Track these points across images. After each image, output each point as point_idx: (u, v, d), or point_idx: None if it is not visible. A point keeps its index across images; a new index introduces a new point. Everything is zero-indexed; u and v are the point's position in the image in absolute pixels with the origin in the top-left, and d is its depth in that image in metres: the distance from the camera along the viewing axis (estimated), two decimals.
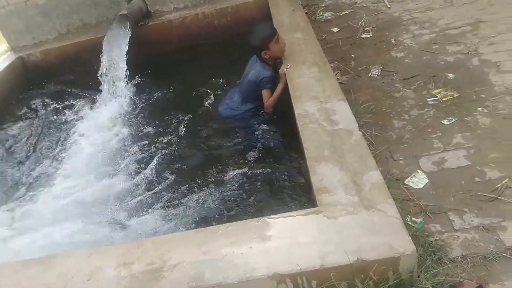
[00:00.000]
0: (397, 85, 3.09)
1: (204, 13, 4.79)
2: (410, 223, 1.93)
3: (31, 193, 3.13)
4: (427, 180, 2.18)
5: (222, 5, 4.80)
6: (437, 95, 2.84)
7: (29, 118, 4.26)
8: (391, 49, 3.61)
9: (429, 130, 2.55)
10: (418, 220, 1.96)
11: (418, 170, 2.26)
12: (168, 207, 2.56)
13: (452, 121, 2.56)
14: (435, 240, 1.83)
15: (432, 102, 2.79)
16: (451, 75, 3.00)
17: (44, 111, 4.32)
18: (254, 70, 3.00)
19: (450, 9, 3.96)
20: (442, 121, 2.58)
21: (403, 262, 1.50)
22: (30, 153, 3.72)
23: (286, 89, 2.79)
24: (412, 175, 2.24)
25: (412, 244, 1.50)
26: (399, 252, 1.49)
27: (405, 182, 2.21)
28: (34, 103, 4.50)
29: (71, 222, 2.71)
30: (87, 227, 2.62)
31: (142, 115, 3.79)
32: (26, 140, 3.91)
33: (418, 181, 2.19)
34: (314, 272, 1.51)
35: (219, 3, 4.86)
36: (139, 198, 2.74)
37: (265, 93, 2.95)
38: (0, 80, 4.57)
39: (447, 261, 1.72)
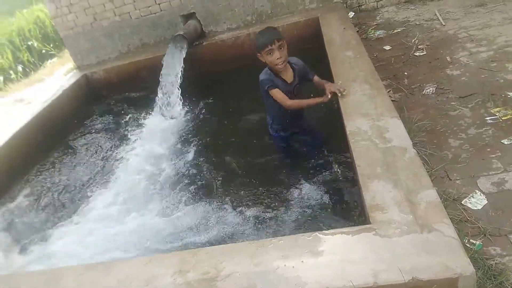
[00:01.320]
0: (453, 103, 3.01)
1: (255, 33, 4.93)
2: (468, 245, 1.86)
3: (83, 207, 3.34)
4: (486, 201, 2.10)
5: (272, 24, 4.91)
6: (496, 114, 2.73)
7: (91, 133, 4.55)
8: (446, 67, 3.52)
9: (488, 149, 2.45)
10: (477, 242, 1.88)
11: (477, 191, 2.18)
12: (221, 220, 2.63)
13: None
14: (495, 263, 1.75)
15: (491, 121, 2.69)
16: (511, 94, 2.89)
17: (105, 126, 4.59)
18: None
19: (510, 27, 3.82)
20: (501, 141, 2.48)
21: (462, 284, 1.45)
22: (87, 164, 3.98)
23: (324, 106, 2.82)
24: (470, 196, 2.16)
25: (471, 265, 1.45)
26: (457, 273, 1.45)
27: (462, 202, 2.13)
28: (96, 119, 4.80)
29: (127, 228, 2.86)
30: (140, 235, 2.74)
31: (195, 134, 3.93)
32: (86, 154, 4.18)
33: (476, 202, 2.11)
34: None
35: (270, 23, 4.99)
36: (191, 209, 2.85)
37: (273, 93, 2.69)
38: (67, 96, 4.94)
39: (509, 286, 1.64)
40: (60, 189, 3.69)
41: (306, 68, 2.86)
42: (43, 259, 2.85)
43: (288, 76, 2.76)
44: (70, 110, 4.88)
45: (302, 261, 1.65)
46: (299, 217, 2.47)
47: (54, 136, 4.48)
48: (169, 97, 4.36)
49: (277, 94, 2.68)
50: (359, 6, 5.27)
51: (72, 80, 5.28)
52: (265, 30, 2.64)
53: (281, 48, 2.58)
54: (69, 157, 4.18)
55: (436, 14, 4.59)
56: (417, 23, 4.58)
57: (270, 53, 2.57)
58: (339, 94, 2.61)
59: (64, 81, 5.46)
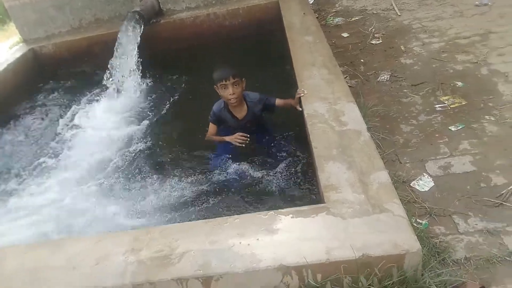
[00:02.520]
0: (405, 90, 3.12)
1: (215, 14, 4.85)
2: (415, 224, 1.95)
3: (30, 182, 3.19)
4: (433, 184, 2.20)
5: (233, 6, 4.86)
6: (445, 102, 2.86)
7: (38, 108, 4.31)
8: (400, 55, 3.64)
9: (436, 135, 2.57)
10: (423, 221, 1.98)
11: (424, 174, 2.28)
12: (176, 198, 2.60)
13: (459, 128, 2.58)
14: (439, 241, 1.85)
15: (440, 109, 2.82)
16: (459, 83, 3.03)
17: (53, 102, 4.37)
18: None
19: (460, 19, 4.00)
20: (449, 127, 2.61)
21: (408, 260, 1.52)
22: (35, 142, 3.78)
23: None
24: (418, 178, 2.26)
25: (417, 243, 1.52)
26: (404, 250, 1.51)
27: (411, 184, 2.23)
28: (44, 94, 4.55)
29: (75, 211, 2.75)
30: (92, 216, 2.65)
31: (149, 110, 3.84)
32: (33, 130, 3.97)
33: (424, 184, 2.21)
34: (320, 265, 1.53)
35: (231, 4, 4.92)
36: (145, 187, 2.79)
37: (210, 125, 2.91)
38: (11, 71, 4.63)
39: (451, 262, 1.74)
40: None
41: (264, 100, 2.84)
42: None
43: (241, 112, 2.82)
44: (15, 84, 4.57)
45: (258, 239, 1.66)
46: (256, 197, 2.48)
47: None
48: (123, 75, 4.20)
49: (210, 128, 2.90)
50: None
51: (18, 54, 4.94)
52: (222, 66, 2.71)
53: (235, 85, 2.64)
54: (12, 135, 3.94)
55: (392, 4, 4.71)
56: (374, 12, 4.69)
57: (224, 88, 2.64)
58: (302, 95, 2.62)
59: (8, 55, 5.10)
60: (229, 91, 2.63)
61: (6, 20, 8.54)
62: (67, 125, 3.89)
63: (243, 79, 2.71)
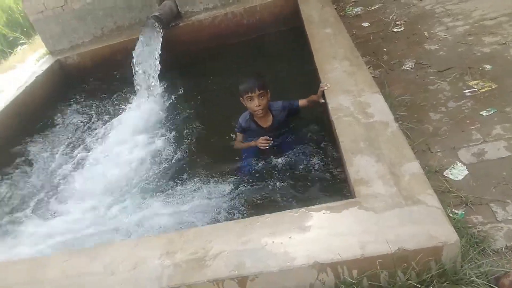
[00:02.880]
0: (432, 77, 3.04)
1: (233, 13, 4.85)
2: (451, 215, 1.89)
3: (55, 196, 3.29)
4: (467, 172, 2.14)
5: (250, 4, 4.85)
6: (474, 87, 2.77)
7: (66, 118, 4.45)
8: (424, 42, 3.55)
9: (467, 121, 2.50)
10: (459, 211, 1.93)
11: (457, 162, 2.22)
12: (207, 199, 2.63)
13: (491, 112, 2.50)
14: (478, 231, 1.80)
15: (469, 94, 2.73)
16: (488, 66, 2.93)
17: (80, 111, 4.50)
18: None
19: (485, 0, 3.86)
20: (480, 113, 2.52)
21: (446, 252, 1.48)
22: (64, 151, 3.89)
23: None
24: (451, 167, 2.20)
25: (455, 234, 1.49)
26: (441, 242, 1.48)
27: (444, 174, 2.17)
28: (71, 104, 4.69)
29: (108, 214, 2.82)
30: (127, 219, 2.71)
31: (175, 113, 3.88)
32: (64, 138, 4.09)
33: (457, 172, 2.15)
34: (355, 261, 1.52)
35: (248, 2, 4.91)
36: (178, 191, 2.83)
37: (236, 135, 3.02)
38: (39, 83, 4.78)
39: (491, 252, 1.69)
40: (33, 174, 3.62)
41: (287, 106, 2.88)
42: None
43: (266, 122, 2.87)
44: (44, 96, 4.72)
45: (290, 237, 1.66)
46: (285, 195, 2.47)
47: (28, 123, 4.34)
48: (147, 80, 4.26)
49: (237, 136, 3.01)
50: None
51: (45, 66, 5.10)
52: (248, 78, 2.75)
53: (261, 97, 2.69)
54: (45, 144, 4.06)
55: None
56: None
57: (250, 100, 2.70)
58: (326, 88, 2.60)
59: (36, 68, 5.27)
60: (255, 103, 2.69)
61: (32, 33, 8.81)
62: (95, 132, 3.98)
63: (268, 90, 2.75)
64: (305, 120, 3.00)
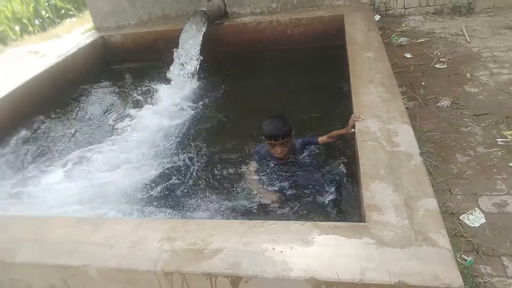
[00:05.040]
0: (466, 119, 2.97)
1: (278, 21, 4.89)
2: (459, 260, 1.84)
3: (86, 155, 3.37)
4: (484, 220, 2.08)
5: (297, 15, 4.87)
6: (508, 137, 2.70)
7: (103, 91, 4.58)
8: (465, 83, 3.48)
9: (494, 170, 2.43)
10: (468, 258, 1.87)
11: (476, 209, 2.16)
12: (218, 195, 2.64)
13: None
14: (484, 282, 1.74)
15: (502, 143, 2.66)
16: None
17: (116, 87, 4.62)
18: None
19: None
20: (510, 164, 2.45)
21: None
22: (95, 121, 4.02)
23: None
24: (468, 212, 2.14)
25: (460, 278, 1.43)
26: (445, 284, 1.42)
27: (460, 218, 2.12)
28: (109, 80, 4.83)
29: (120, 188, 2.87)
30: (135, 197, 2.74)
31: (206, 107, 3.92)
32: (96, 110, 4.22)
33: (474, 219, 2.09)
34: (352, 285, 1.48)
35: (295, 14, 4.94)
36: (188, 180, 2.86)
37: (249, 163, 2.85)
38: (82, 54, 4.91)
39: None
40: (59, 139, 3.72)
41: (306, 143, 2.80)
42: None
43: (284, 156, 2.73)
44: (84, 67, 4.86)
45: (291, 248, 1.63)
46: (294, 206, 2.45)
47: (64, 91, 4.46)
48: (184, 71, 4.33)
49: (250, 165, 2.83)
50: (386, 10, 5.21)
51: (89, 40, 5.25)
52: (275, 121, 2.61)
53: (284, 145, 2.59)
54: (75, 113, 4.18)
55: (462, 30, 4.53)
56: (442, 36, 4.52)
57: (272, 146, 2.61)
58: (360, 120, 2.46)
59: (81, 40, 5.43)
60: (277, 150, 2.60)
61: (83, 8, 9.11)
62: (125, 111, 4.06)
63: (292, 133, 2.64)
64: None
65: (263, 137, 2.67)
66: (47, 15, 9.26)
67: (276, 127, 2.57)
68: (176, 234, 1.77)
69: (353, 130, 2.49)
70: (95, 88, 4.67)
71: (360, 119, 2.48)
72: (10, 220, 2.17)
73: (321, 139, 2.74)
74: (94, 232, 1.88)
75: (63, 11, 9.49)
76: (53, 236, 1.92)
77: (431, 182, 2.03)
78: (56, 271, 1.79)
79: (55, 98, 4.36)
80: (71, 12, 9.44)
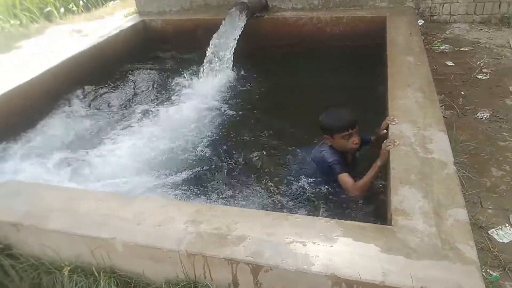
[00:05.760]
0: (504, 133, 2.88)
1: (318, 18, 4.85)
2: (484, 274, 1.80)
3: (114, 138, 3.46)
4: None
5: (338, 14, 4.83)
6: None
7: (141, 75, 4.70)
8: (507, 96, 3.37)
9: None
10: (494, 274, 1.82)
11: (507, 224, 2.10)
12: (243, 190, 2.66)
13: None
14: None
15: None
16: None
17: (154, 71, 4.72)
18: (317, 152, 2.58)
19: None
20: None
21: None
22: (129, 103, 4.12)
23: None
24: (498, 227, 2.08)
25: None
26: None
27: (489, 232, 2.06)
28: (148, 63, 4.94)
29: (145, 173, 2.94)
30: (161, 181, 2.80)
31: (238, 98, 3.94)
32: (132, 92, 4.33)
33: (504, 235, 2.04)
34: (373, 285, 1.47)
35: (336, 12, 4.90)
36: (214, 168, 2.91)
37: (342, 177, 2.40)
38: (123, 36, 5.03)
39: None
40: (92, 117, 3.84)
41: (363, 140, 2.58)
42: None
43: (348, 156, 2.58)
44: (123, 49, 4.97)
45: (314, 243, 1.64)
46: (322, 204, 2.45)
47: (103, 71, 4.58)
48: (220, 62, 4.36)
49: (345, 179, 2.38)
50: (431, 15, 5.08)
51: (131, 23, 5.36)
52: (341, 110, 2.46)
53: (357, 132, 2.42)
54: (111, 92, 4.31)
55: (509, 42, 4.37)
56: (487, 46, 4.38)
57: (347, 138, 2.40)
58: (393, 123, 2.37)
59: (123, 22, 5.56)
60: (354, 140, 2.40)
61: None
62: (159, 97, 4.15)
63: None
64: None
65: (328, 136, 2.48)
66: None
67: (349, 113, 2.42)
68: (201, 218, 1.81)
69: (385, 131, 2.44)
70: (136, 71, 4.76)
71: (394, 123, 2.43)
72: (45, 189, 2.27)
73: (373, 138, 2.60)
74: (123, 207, 1.94)
75: None
76: (84, 208, 1.99)
77: (462, 193, 1.99)
78: (83, 241, 1.85)
79: (94, 75, 4.49)
80: None
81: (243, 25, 4.50)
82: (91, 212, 1.96)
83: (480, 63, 4.01)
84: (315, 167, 2.65)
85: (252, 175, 2.80)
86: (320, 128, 2.53)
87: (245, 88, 4.14)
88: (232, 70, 4.36)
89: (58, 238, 1.92)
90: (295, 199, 2.54)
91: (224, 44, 4.42)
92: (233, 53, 4.35)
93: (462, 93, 3.51)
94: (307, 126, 3.16)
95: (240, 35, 4.42)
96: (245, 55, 4.44)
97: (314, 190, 2.60)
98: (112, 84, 4.44)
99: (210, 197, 2.59)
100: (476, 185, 2.40)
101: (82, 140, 3.52)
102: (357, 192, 2.34)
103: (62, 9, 8.84)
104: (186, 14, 5.49)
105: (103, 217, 1.90)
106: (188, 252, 1.66)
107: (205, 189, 2.66)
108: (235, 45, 4.38)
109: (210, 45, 4.42)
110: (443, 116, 2.94)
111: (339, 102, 2.72)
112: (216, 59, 4.36)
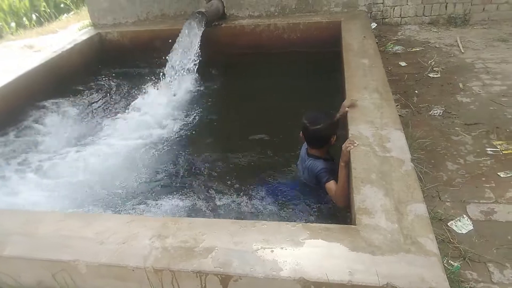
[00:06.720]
0: (457, 128, 3.01)
1: (276, 25, 4.92)
2: (446, 265, 1.87)
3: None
4: (472, 227, 2.11)
5: (295, 20, 4.92)
6: (498, 147, 2.74)
7: (97, 88, 4.59)
8: (457, 93, 3.53)
9: (483, 179, 2.46)
10: (455, 264, 1.89)
11: (464, 216, 2.19)
12: (209, 195, 2.65)
13: (508, 175, 2.46)
14: (470, 287, 1.76)
15: (491, 152, 2.70)
16: None
17: (111, 85, 4.63)
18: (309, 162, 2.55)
19: None
20: (498, 173, 2.49)
21: None
22: (88, 116, 4.01)
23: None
24: (456, 219, 2.17)
25: (446, 282, 1.46)
26: (431, 287, 1.45)
27: (448, 224, 2.14)
28: (103, 77, 4.82)
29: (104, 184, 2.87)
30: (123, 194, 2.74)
31: (199, 106, 3.93)
32: (89, 106, 4.22)
33: (462, 226, 2.12)
34: (341, 285, 1.50)
35: (293, 18, 4.99)
36: (178, 179, 2.89)
37: (328, 186, 2.40)
38: (78, 50, 4.90)
39: None
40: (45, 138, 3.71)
41: None
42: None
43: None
44: (78, 64, 4.84)
45: (282, 248, 1.65)
46: (285, 208, 2.47)
47: (57, 86, 4.44)
48: (180, 72, 4.33)
49: (331, 186, 2.38)
50: (383, 18, 5.26)
51: (85, 36, 5.23)
52: (328, 114, 2.57)
53: None
54: (67, 108, 4.17)
55: (457, 41, 4.59)
56: (437, 46, 4.58)
57: (335, 138, 2.52)
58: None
59: (77, 36, 5.41)
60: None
61: (81, 4, 9.08)
62: (119, 109, 4.06)
63: None
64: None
65: (329, 141, 2.50)
66: (44, 9, 9.20)
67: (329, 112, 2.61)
68: (167, 232, 1.78)
69: (347, 109, 2.60)
70: (91, 84, 4.66)
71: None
72: (3, 213, 2.16)
73: None
74: (84, 227, 1.89)
75: (61, 5, 9.44)
76: (43, 230, 1.92)
77: (421, 188, 2.06)
78: (44, 265, 1.78)
79: (49, 90, 4.34)
80: (69, 7, 9.39)
81: (201, 34, 4.49)
82: (51, 234, 1.89)
83: (431, 62, 4.19)
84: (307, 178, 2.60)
85: (216, 183, 2.79)
86: (320, 139, 2.50)
87: (205, 96, 4.14)
88: (192, 79, 4.33)
89: (16, 264, 1.83)
90: (262, 205, 2.55)
91: (182, 54, 4.40)
92: (193, 62, 4.33)
93: (416, 91, 3.64)
94: (268, 130, 3.25)
95: (199, 45, 4.41)
96: (205, 64, 4.44)
97: (281, 195, 2.63)
98: (68, 100, 4.31)
99: (175, 208, 2.56)
100: (433, 179, 2.50)
101: (36, 154, 3.42)
102: (338, 199, 2.31)
103: (13, 24, 8.51)
104: (142, 25, 5.42)
105: (63, 239, 1.84)
106: (155, 268, 1.63)
107: (170, 201, 2.62)
108: (195, 54, 4.36)
109: (168, 56, 4.38)
110: (399, 115, 3.03)
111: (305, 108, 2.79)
112: (175, 69, 4.33)
